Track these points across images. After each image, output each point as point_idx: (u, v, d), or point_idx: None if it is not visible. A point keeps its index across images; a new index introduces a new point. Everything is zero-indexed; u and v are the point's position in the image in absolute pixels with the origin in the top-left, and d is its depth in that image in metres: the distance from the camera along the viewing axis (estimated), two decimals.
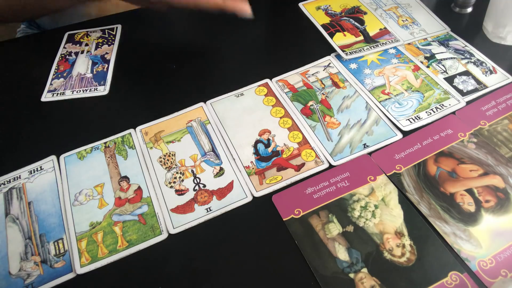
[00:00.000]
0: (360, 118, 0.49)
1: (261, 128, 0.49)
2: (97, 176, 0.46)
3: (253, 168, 0.45)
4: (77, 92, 0.55)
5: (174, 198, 0.43)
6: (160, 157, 0.47)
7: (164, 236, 0.41)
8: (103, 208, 0.43)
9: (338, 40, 0.58)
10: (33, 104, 0.54)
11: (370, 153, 0.45)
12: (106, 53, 0.60)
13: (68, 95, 0.55)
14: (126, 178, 0.45)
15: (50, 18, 0.72)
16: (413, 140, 0.46)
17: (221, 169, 0.45)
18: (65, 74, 0.58)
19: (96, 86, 0.56)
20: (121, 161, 0.47)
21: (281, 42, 0.61)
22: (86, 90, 0.55)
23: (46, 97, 0.55)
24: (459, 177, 0.42)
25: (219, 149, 0.47)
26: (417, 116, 0.48)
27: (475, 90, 0.50)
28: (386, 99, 0.50)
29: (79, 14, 0.69)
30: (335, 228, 0.39)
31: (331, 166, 0.45)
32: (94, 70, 0.58)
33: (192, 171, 0.45)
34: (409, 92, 0.51)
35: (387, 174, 0.43)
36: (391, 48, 0.56)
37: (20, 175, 0.47)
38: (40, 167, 0.47)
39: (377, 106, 0.50)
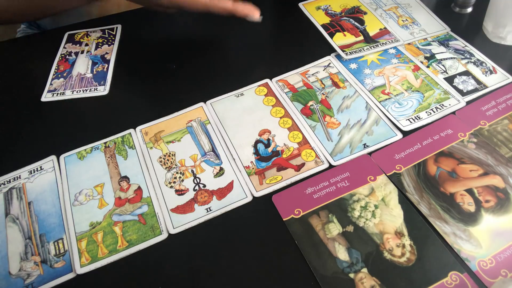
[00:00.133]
0: (360, 118, 0.49)
1: (261, 128, 0.49)
2: (97, 176, 0.46)
3: (253, 168, 0.45)
4: (77, 92, 0.55)
5: (174, 198, 0.43)
6: (160, 157, 0.47)
7: (164, 236, 0.41)
8: (103, 208, 0.43)
9: (338, 40, 0.58)
10: (33, 104, 0.54)
11: (370, 153, 0.45)
12: (106, 53, 0.60)
13: (68, 95, 0.55)
14: (126, 178, 0.45)
15: (51, 18, 0.72)
16: (413, 140, 0.46)
17: (221, 169, 0.45)
18: (65, 74, 0.58)
19: (96, 86, 0.56)
20: (121, 161, 0.47)
21: (281, 42, 0.61)
22: (86, 90, 0.55)
23: (46, 97, 0.55)
24: (459, 177, 0.42)
25: (219, 149, 0.47)
26: (417, 116, 0.48)
27: (475, 90, 0.50)
28: (386, 99, 0.50)
29: (79, 14, 0.69)
30: (335, 228, 0.39)
31: (331, 166, 0.45)
32: (94, 70, 0.58)
33: (192, 171, 0.45)
34: (409, 92, 0.51)
35: (387, 174, 0.43)
36: (391, 48, 0.56)
37: (20, 175, 0.47)
38: (40, 167, 0.47)
39: (377, 106, 0.50)
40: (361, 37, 0.58)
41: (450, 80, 0.52)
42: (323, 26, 0.61)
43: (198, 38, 0.63)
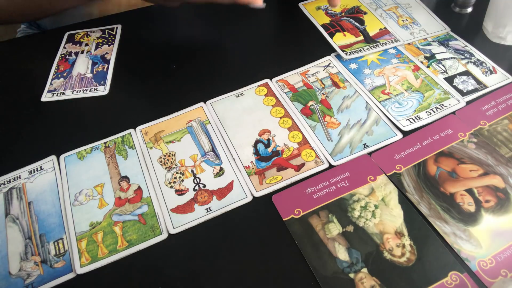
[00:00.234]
0: (360, 118, 0.49)
1: (261, 128, 0.49)
2: (97, 176, 0.46)
3: (253, 168, 0.45)
4: (77, 92, 0.55)
5: (174, 198, 0.43)
6: (160, 157, 0.47)
7: (164, 236, 0.41)
8: (103, 208, 0.43)
9: (338, 40, 0.58)
10: (33, 104, 0.54)
11: (370, 153, 0.45)
12: (106, 53, 0.60)
13: (68, 95, 0.55)
14: (126, 178, 0.45)
15: (51, 18, 0.72)
16: (413, 140, 0.46)
17: (221, 169, 0.45)
18: (65, 74, 0.58)
19: (96, 86, 0.56)
20: (121, 161, 0.47)
21: (281, 42, 0.61)
22: (86, 90, 0.55)
23: (46, 97, 0.55)
24: (459, 177, 0.42)
25: (219, 149, 0.47)
26: (417, 116, 0.48)
27: (475, 90, 0.50)
28: (386, 99, 0.50)
29: (80, 14, 0.69)
30: (335, 228, 0.39)
31: (331, 166, 0.45)
32: (94, 70, 0.58)
33: (192, 171, 0.45)
34: (409, 92, 0.51)
35: (387, 174, 0.43)
36: (391, 48, 0.56)
37: (20, 175, 0.47)
38: (40, 167, 0.47)
39: (377, 106, 0.50)
40: (361, 37, 0.58)
41: (450, 80, 0.52)
42: (323, 26, 0.61)
43: (198, 38, 0.63)
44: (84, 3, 0.66)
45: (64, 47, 0.62)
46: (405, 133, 0.47)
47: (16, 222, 0.43)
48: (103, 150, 0.48)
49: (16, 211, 0.43)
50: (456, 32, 0.58)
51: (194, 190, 0.44)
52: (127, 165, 0.46)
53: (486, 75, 0.52)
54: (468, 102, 0.49)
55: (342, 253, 0.38)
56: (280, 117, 0.50)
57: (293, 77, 0.54)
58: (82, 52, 0.61)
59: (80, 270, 0.39)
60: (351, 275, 0.36)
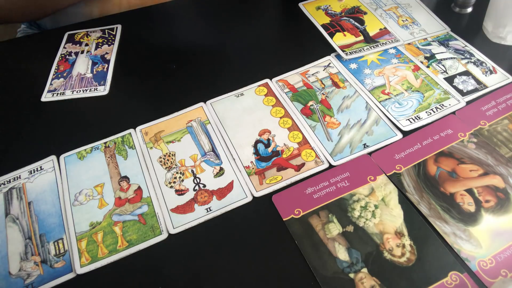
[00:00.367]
0: (360, 118, 0.49)
1: (261, 128, 0.49)
2: (97, 176, 0.46)
3: (253, 168, 0.45)
4: (77, 92, 0.55)
5: (174, 198, 0.43)
6: (160, 157, 0.47)
7: (164, 236, 0.41)
8: (103, 208, 0.43)
9: (338, 40, 0.58)
10: (33, 104, 0.54)
11: (370, 153, 0.45)
12: (106, 53, 0.60)
13: (68, 95, 0.55)
14: (126, 178, 0.45)
15: (51, 18, 0.72)
16: (413, 140, 0.46)
17: (221, 169, 0.45)
18: (65, 74, 0.58)
19: (96, 86, 0.56)
20: (121, 161, 0.47)
21: (281, 42, 0.61)
22: (86, 90, 0.55)
23: (46, 97, 0.55)
24: (459, 177, 0.42)
25: (219, 149, 0.47)
26: (417, 116, 0.48)
27: (475, 90, 0.50)
28: (386, 99, 0.50)
29: (80, 14, 0.69)
30: (335, 228, 0.39)
31: (331, 166, 0.45)
32: (94, 70, 0.58)
33: (192, 171, 0.45)
34: (409, 92, 0.51)
35: (387, 174, 0.43)
36: (391, 48, 0.56)
37: (20, 175, 0.47)
38: (40, 167, 0.47)
39: (377, 106, 0.50)
40: (361, 37, 0.58)
41: (450, 80, 0.52)
42: (323, 26, 0.61)
43: (198, 38, 0.63)
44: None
45: (64, 47, 0.62)
46: (405, 133, 0.47)
47: (16, 222, 0.43)
48: (103, 150, 0.48)
49: (16, 211, 0.43)
50: (456, 32, 0.58)
51: (194, 190, 0.44)
52: (127, 165, 0.46)
53: (486, 75, 0.52)
54: (468, 102, 0.49)
55: (342, 253, 0.38)
56: (280, 117, 0.50)
57: (293, 77, 0.54)
58: (82, 52, 0.61)
59: (80, 270, 0.39)
60: (351, 275, 0.36)
